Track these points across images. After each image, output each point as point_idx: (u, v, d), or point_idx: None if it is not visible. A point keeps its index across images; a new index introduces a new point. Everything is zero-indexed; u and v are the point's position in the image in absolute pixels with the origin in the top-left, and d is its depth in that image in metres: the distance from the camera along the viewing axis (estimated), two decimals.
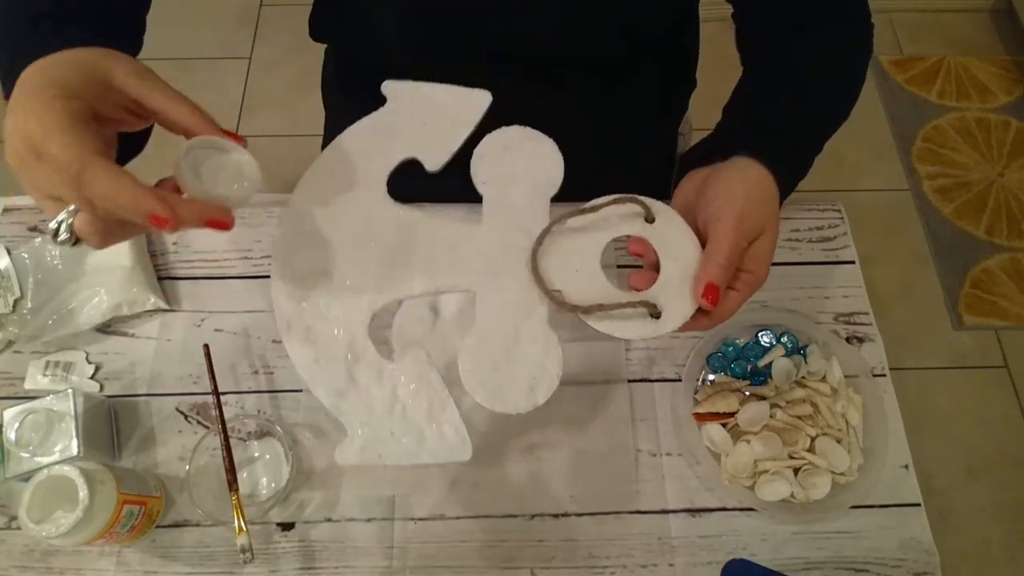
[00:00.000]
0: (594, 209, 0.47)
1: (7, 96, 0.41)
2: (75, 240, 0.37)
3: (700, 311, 0.46)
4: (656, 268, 0.48)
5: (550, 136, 0.55)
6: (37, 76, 0.37)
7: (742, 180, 0.49)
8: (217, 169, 0.39)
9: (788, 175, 0.53)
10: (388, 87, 0.51)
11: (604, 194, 0.50)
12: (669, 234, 0.48)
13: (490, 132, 0.51)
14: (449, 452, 0.43)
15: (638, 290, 0.47)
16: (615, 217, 0.48)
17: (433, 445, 0.43)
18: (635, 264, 0.53)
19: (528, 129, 0.51)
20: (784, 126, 0.55)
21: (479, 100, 0.50)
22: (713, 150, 0.54)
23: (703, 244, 0.48)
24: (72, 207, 0.37)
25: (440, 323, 0.64)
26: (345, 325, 0.46)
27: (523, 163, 0.50)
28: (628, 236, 0.48)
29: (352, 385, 0.45)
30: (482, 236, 0.48)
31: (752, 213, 0.47)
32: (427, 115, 0.50)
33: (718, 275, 0.45)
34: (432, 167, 0.49)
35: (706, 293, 0.44)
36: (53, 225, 0.36)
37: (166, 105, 0.39)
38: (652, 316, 0.45)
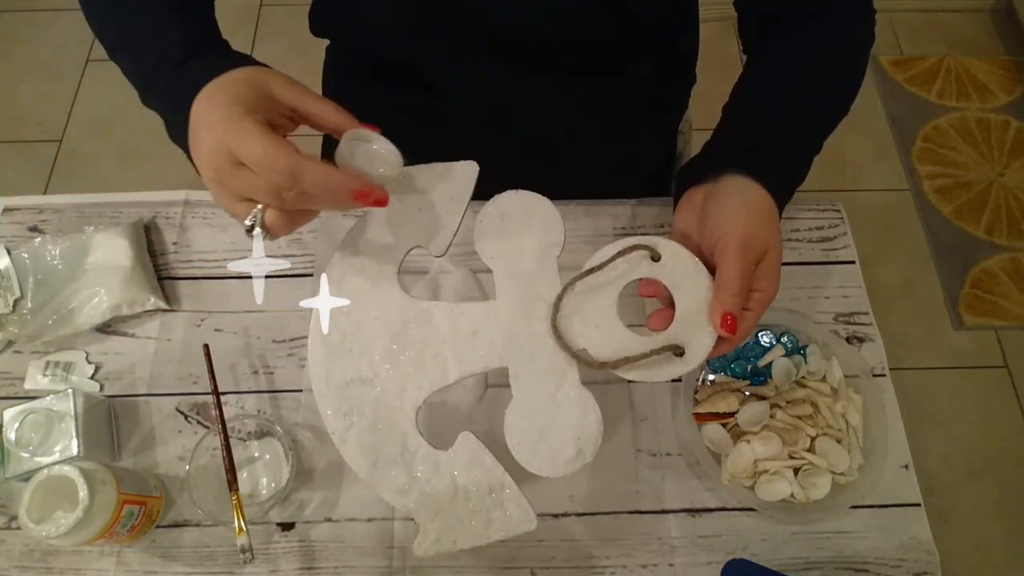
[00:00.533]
0: (601, 267, 0.48)
1: (171, 109, 0.46)
2: (267, 232, 0.42)
3: (720, 337, 0.47)
4: (671, 304, 0.48)
5: (551, 131, 0.54)
6: (220, 96, 0.42)
7: (741, 205, 0.50)
8: (367, 155, 0.45)
9: (785, 187, 0.53)
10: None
11: (607, 189, 0.50)
12: (677, 269, 0.48)
13: (499, 142, 0.50)
14: (516, 526, 0.46)
15: (658, 330, 0.47)
16: (622, 263, 0.48)
17: (500, 524, 0.46)
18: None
19: (522, 192, 0.51)
20: (779, 139, 0.55)
21: (467, 172, 0.50)
22: (708, 167, 0.54)
23: (710, 271, 0.48)
24: (260, 206, 0.42)
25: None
26: (394, 426, 0.47)
27: (524, 228, 0.50)
28: (639, 279, 0.49)
29: (413, 482, 0.47)
30: (501, 312, 0.49)
31: (755, 236, 0.48)
32: (420, 201, 0.50)
33: (733, 304, 0.46)
34: (437, 252, 0.49)
35: (724, 323, 0.45)
36: (248, 222, 0.42)
37: (317, 108, 0.44)
38: (676, 355, 0.46)
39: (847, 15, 0.60)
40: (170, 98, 0.47)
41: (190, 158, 0.46)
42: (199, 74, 0.43)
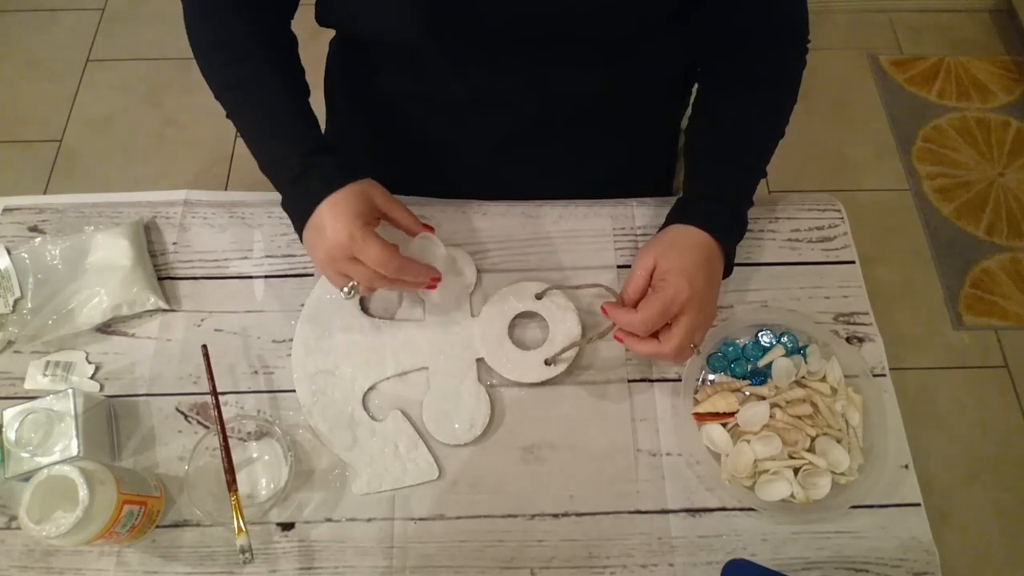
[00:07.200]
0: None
1: (292, 202, 0.61)
2: (356, 293, 0.60)
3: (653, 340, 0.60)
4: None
5: (554, 122, 0.72)
6: (343, 207, 0.58)
7: (655, 242, 0.63)
8: (425, 248, 0.66)
9: (718, 225, 0.62)
10: None
11: (607, 185, 0.63)
12: (553, 308, 0.68)
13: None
14: (424, 475, 0.63)
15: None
16: (513, 299, 0.69)
17: (413, 472, 0.63)
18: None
19: (450, 248, 0.71)
20: (710, 192, 0.65)
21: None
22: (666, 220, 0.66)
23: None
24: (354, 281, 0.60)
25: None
26: (346, 403, 0.65)
27: (449, 272, 0.69)
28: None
29: (355, 442, 0.64)
30: (428, 329, 0.69)
31: (665, 256, 0.60)
32: None
33: (626, 319, 0.59)
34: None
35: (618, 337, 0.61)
36: (347, 289, 0.60)
37: (400, 216, 0.63)
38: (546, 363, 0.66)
39: (782, 75, 0.68)
40: (291, 198, 0.62)
41: (297, 230, 0.61)
42: (317, 188, 0.59)
